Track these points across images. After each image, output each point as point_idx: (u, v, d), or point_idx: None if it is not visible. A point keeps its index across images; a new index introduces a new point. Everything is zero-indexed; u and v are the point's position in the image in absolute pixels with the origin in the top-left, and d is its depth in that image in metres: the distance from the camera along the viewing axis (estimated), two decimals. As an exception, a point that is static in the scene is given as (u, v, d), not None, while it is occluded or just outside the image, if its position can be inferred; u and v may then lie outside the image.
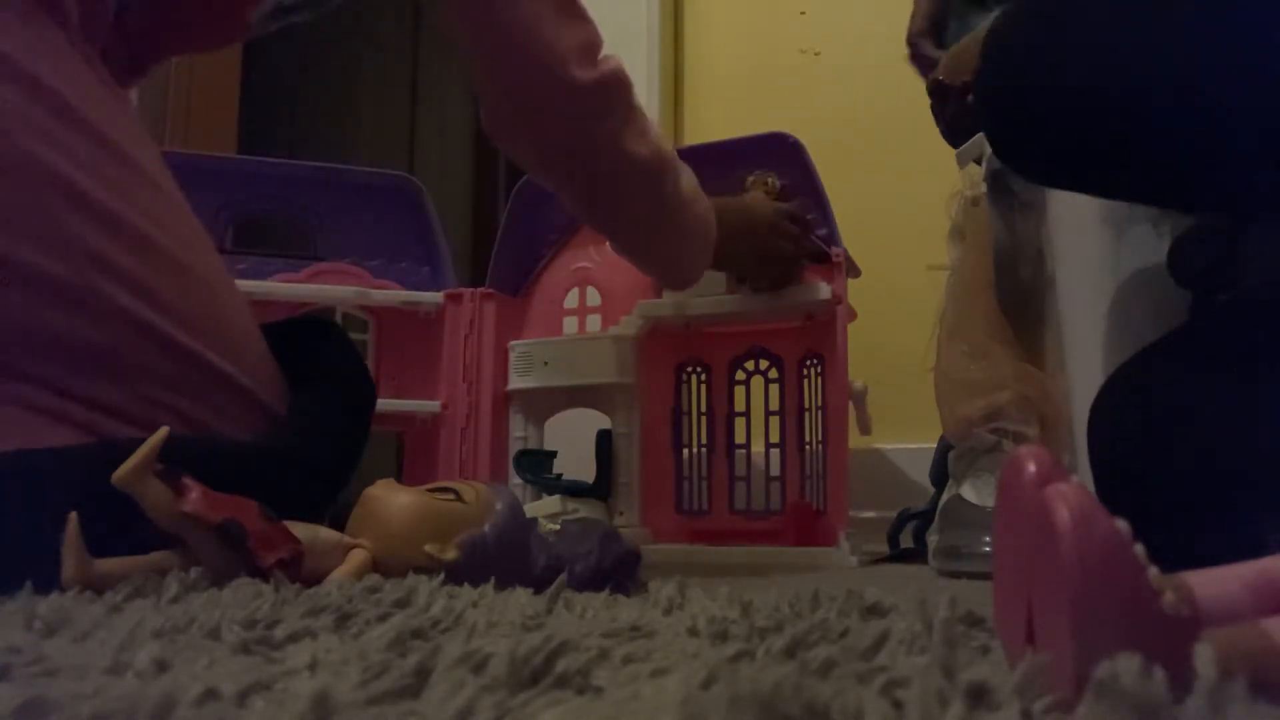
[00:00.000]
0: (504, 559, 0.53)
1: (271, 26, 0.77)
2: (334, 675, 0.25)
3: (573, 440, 1.10)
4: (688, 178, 0.82)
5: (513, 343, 1.11)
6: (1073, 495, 0.23)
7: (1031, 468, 0.24)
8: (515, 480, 1.06)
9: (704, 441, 1.12)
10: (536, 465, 1.06)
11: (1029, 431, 0.82)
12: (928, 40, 1.03)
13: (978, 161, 0.86)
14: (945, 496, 0.89)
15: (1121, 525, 0.23)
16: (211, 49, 0.91)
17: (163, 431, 0.46)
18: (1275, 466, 0.41)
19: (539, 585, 0.47)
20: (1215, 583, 0.24)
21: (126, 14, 0.67)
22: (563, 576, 0.45)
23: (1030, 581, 0.25)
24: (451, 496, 0.55)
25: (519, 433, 1.09)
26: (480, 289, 1.13)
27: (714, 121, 1.61)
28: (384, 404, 1.02)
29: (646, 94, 1.55)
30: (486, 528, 0.54)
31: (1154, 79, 0.42)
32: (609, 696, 0.24)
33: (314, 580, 0.47)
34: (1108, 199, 0.59)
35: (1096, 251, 0.65)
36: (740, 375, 1.11)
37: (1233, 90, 0.41)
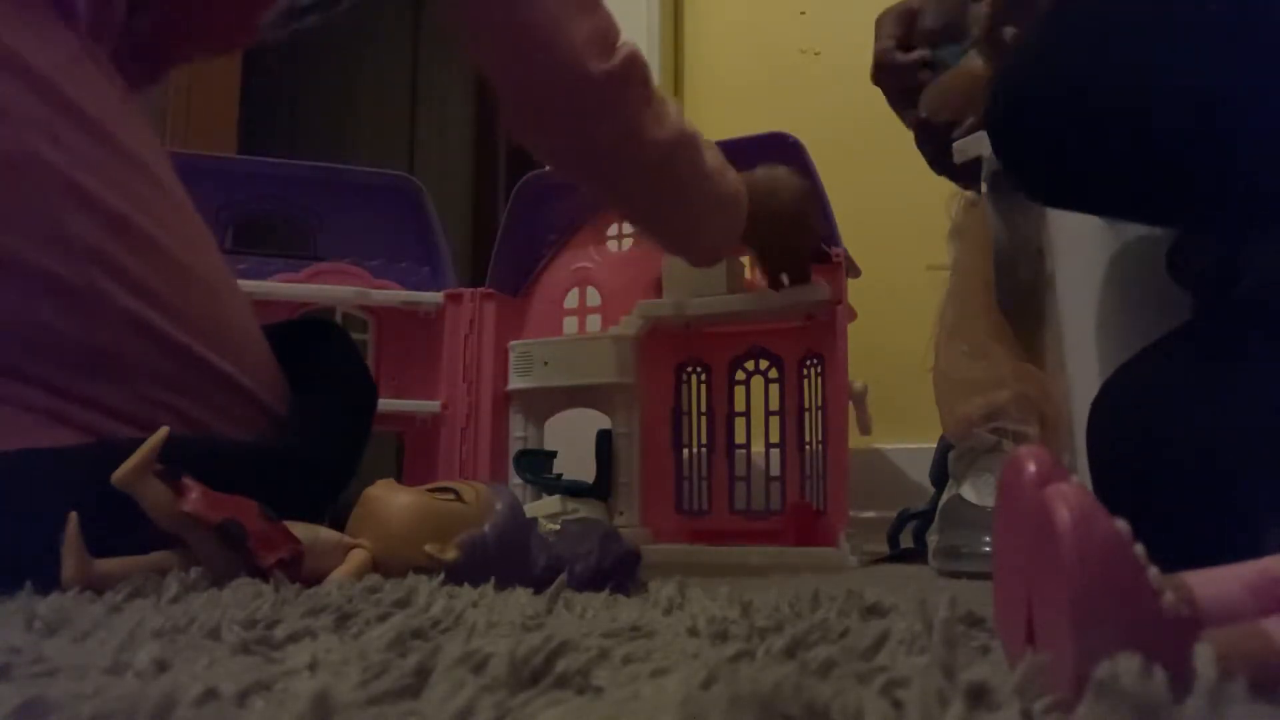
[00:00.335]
0: (504, 559, 0.53)
1: (282, 32, 0.77)
2: (334, 675, 0.25)
3: (573, 440, 1.10)
4: (712, 153, 0.82)
5: (513, 343, 1.11)
6: (1073, 495, 0.23)
7: (1031, 468, 0.24)
8: (515, 480, 1.06)
9: (704, 441, 1.12)
10: (536, 465, 1.06)
11: (1029, 431, 0.82)
12: (897, 51, 1.03)
13: (976, 162, 0.86)
14: (945, 496, 0.89)
15: (1121, 525, 0.23)
16: (222, 53, 0.91)
17: (163, 431, 0.46)
18: (1275, 467, 0.41)
19: (539, 585, 0.47)
20: (1215, 583, 0.24)
21: (137, 17, 0.67)
22: (563, 576, 0.45)
23: (1030, 581, 0.25)
24: (451, 496, 0.55)
25: (519, 433, 1.09)
26: (480, 289, 1.13)
27: (714, 121, 1.61)
28: (384, 404, 1.02)
29: (646, 94, 1.55)
30: (486, 528, 0.54)
31: (1167, 110, 0.43)
32: (609, 696, 0.24)
33: (314, 580, 0.47)
34: (1131, 223, 0.61)
35: (1096, 251, 0.65)
36: (740, 375, 1.11)
37: (1246, 119, 0.41)
